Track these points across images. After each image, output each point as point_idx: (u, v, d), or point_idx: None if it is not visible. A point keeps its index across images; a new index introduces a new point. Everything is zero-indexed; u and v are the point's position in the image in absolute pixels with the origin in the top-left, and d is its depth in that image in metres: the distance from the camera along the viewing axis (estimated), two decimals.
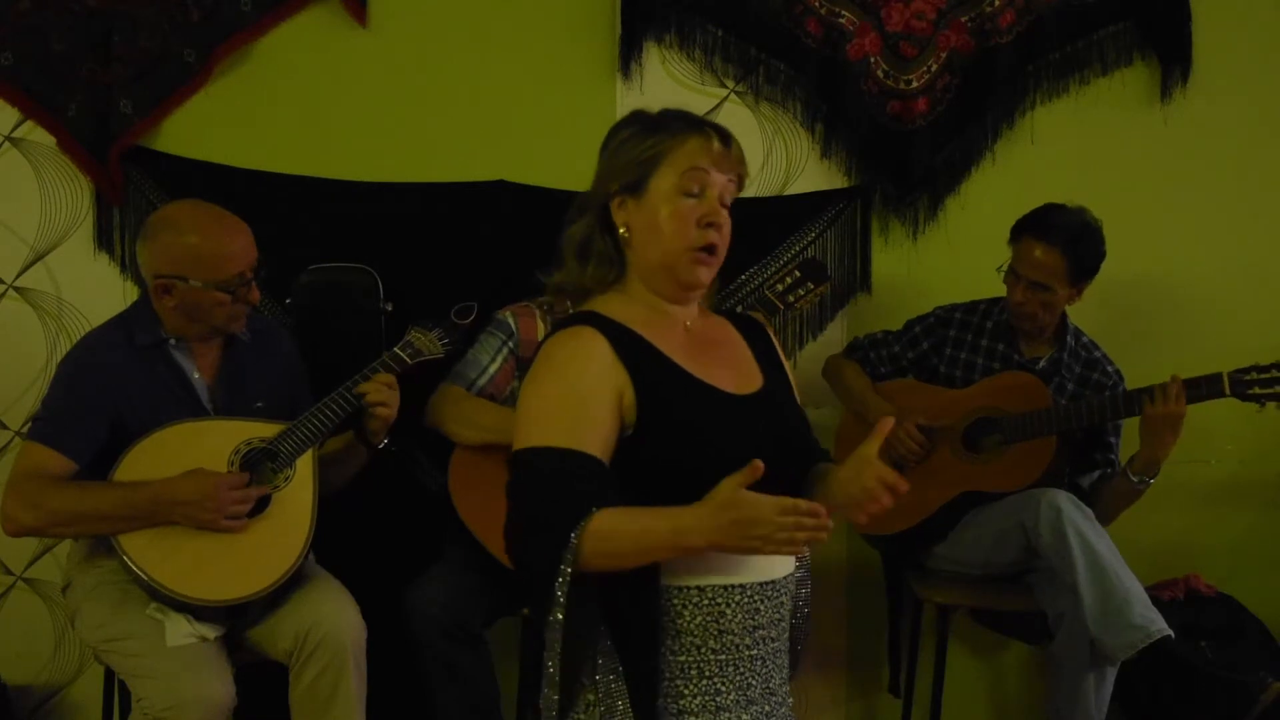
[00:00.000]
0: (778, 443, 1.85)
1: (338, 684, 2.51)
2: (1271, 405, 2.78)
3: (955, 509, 2.99)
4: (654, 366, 1.80)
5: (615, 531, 1.68)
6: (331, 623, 2.52)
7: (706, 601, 1.77)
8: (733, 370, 1.90)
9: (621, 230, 1.86)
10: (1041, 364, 3.07)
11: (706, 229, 1.83)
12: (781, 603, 1.84)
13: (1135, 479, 2.87)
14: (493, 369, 2.93)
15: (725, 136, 1.86)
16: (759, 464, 1.64)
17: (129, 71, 3.14)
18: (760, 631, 1.81)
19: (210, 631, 2.48)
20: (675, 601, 1.77)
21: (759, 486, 1.64)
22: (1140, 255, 3.34)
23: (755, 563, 1.78)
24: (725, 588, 1.77)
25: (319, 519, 2.57)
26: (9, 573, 3.23)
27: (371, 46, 3.25)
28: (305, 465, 2.59)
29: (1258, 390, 2.76)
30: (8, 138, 3.17)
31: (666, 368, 1.82)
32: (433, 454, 2.96)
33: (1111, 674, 2.80)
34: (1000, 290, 3.11)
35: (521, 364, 2.97)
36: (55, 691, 3.27)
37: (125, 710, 2.68)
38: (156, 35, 3.14)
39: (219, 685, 2.42)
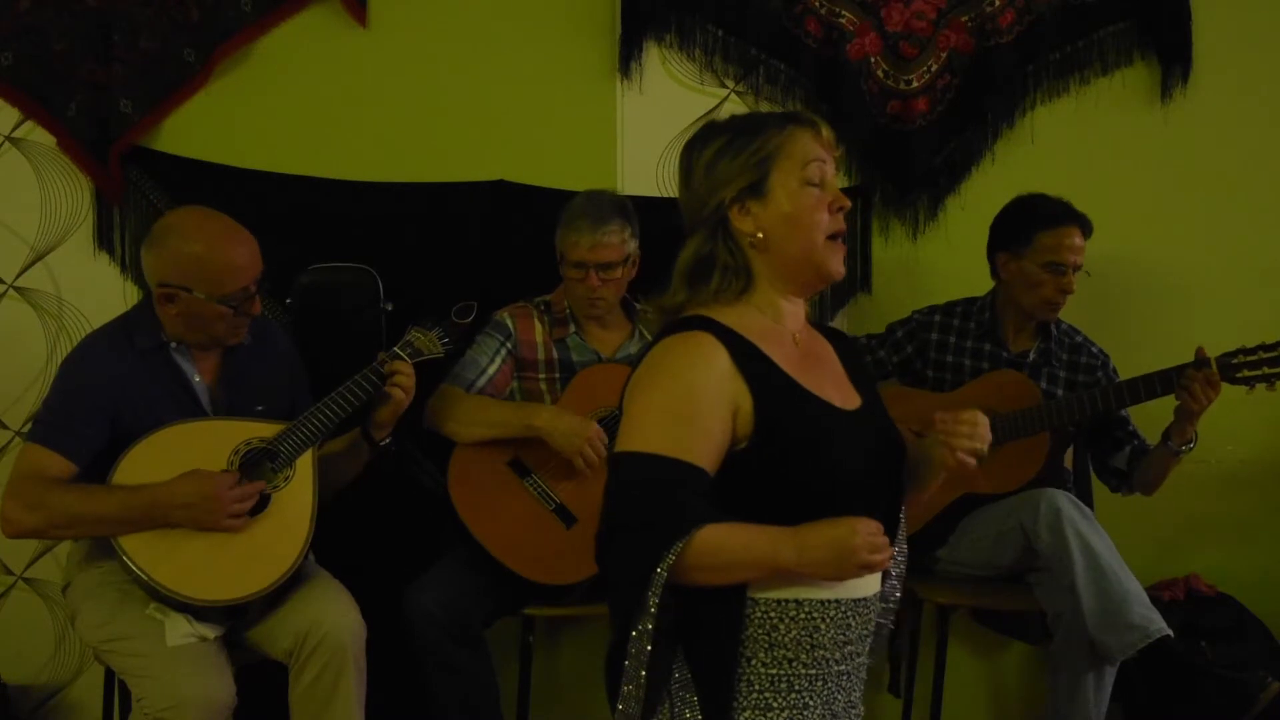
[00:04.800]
0: (883, 460, 1.86)
1: (338, 684, 2.51)
2: (1261, 388, 2.78)
3: (953, 513, 2.98)
4: (771, 380, 1.79)
5: (719, 547, 1.69)
6: (331, 623, 2.52)
7: (803, 616, 1.77)
8: (836, 386, 1.89)
9: (756, 235, 1.83)
10: (1031, 356, 3.07)
11: (837, 214, 1.86)
12: (868, 620, 1.85)
13: (1181, 447, 2.90)
14: (491, 370, 2.93)
15: (821, 122, 1.88)
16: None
17: (129, 71, 3.14)
18: (849, 648, 1.82)
19: (210, 631, 2.48)
20: (772, 614, 1.76)
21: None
22: (1140, 254, 3.35)
23: (850, 580, 1.78)
24: (822, 602, 1.78)
25: (319, 519, 2.57)
26: (9, 573, 3.23)
27: (371, 46, 3.25)
28: (305, 465, 2.59)
29: (1246, 373, 2.78)
30: (8, 138, 3.17)
31: (783, 382, 1.80)
32: (433, 454, 2.96)
33: (1111, 674, 2.80)
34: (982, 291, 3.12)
35: (520, 364, 2.97)
36: (55, 691, 3.27)
37: (125, 710, 2.68)
38: (156, 35, 3.15)
39: (219, 685, 2.42)
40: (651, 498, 1.70)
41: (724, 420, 1.75)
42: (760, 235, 1.83)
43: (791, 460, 1.76)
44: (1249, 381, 2.78)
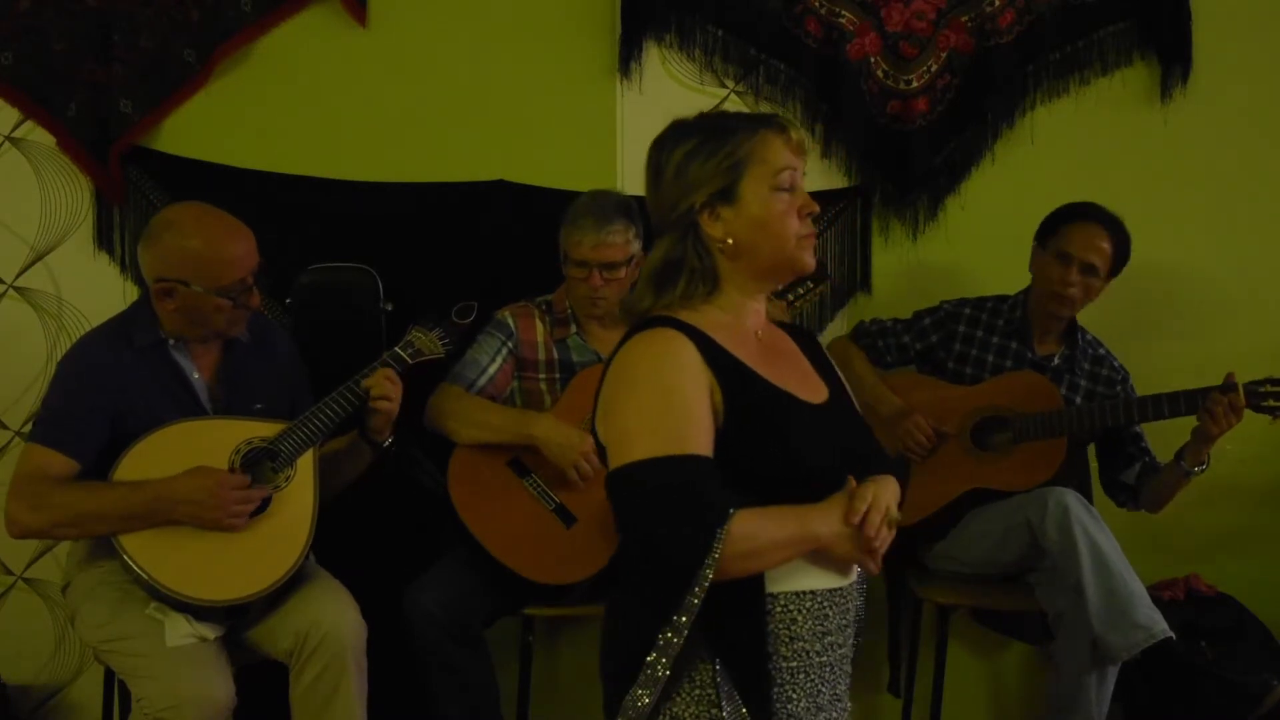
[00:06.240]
0: (851, 451, 1.87)
1: (338, 684, 2.51)
2: None
3: (959, 506, 2.99)
4: (736, 373, 1.80)
5: (754, 531, 1.70)
6: (331, 623, 2.52)
7: (779, 609, 1.78)
8: (801, 380, 1.91)
9: (726, 241, 1.83)
10: (1056, 361, 3.08)
11: (807, 219, 1.86)
12: (848, 609, 1.86)
13: (1194, 469, 2.90)
14: (492, 369, 2.93)
15: (791, 125, 1.88)
16: (852, 480, 1.77)
17: (129, 71, 3.14)
18: (829, 638, 1.82)
19: (210, 632, 2.48)
20: None
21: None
22: (1139, 255, 3.34)
23: (824, 569, 1.80)
24: (797, 594, 1.79)
25: (319, 519, 2.57)
26: (9, 573, 3.23)
27: (371, 46, 3.25)
28: (306, 465, 2.59)
29: (1272, 403, 2.79)
30: (8, 138, 3.17)
31: (748, 375, 1.81)
32: (433, 454, 2.96)
33: (1112, 674, 2.80)
34: (1004, 288, 3.12)
35: (521, 364, 2.97)
36: (55, 691, 3.27)
37: (125, 710, 2.68)
38: (156, 35, 3.15)
39: (219, 685, 2.42)
40: (675, 501, 1.69)
41: (707, 404, 1.76)
42: (730, 241, 1.84)
43: (758, 452, 1.77)
44: (1274, 412, 2.80)
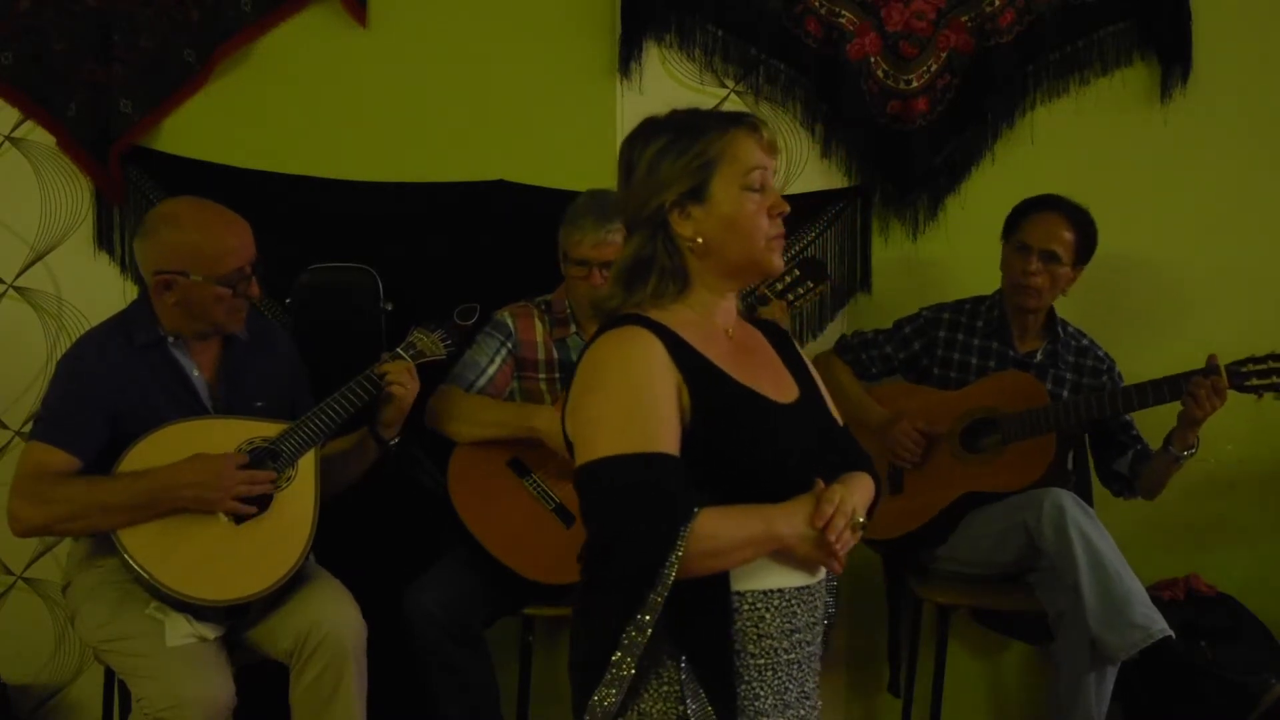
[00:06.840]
0: (820, 451, 1.87)
1: (338, 684, 2.51)
2: (1270, 397, 2.79)
3: (956, 510, 2.99)
4: (704, 373, 1.80)
5: (717, 531, 1.71)
6: (332, 623, 2.52)
7: (747, 607, 1.78)
8: (772, 378, 1.91)
9: (696, 240, 1.83)
10: (1038, 357, 3.08)
11: (776, 219, 1.86)
12: (815, 607, 1.86)
13: (1183, 453, 2.89)
14: (491, 370, 2.93)
15: (763, 124, 1.88)
16: (820, 482, 1.78)
17: (129, 71, 3.14)
18: (797, 635, 1.82)
19: (210, 632, 2.48)
20: None
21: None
22: (1140, 255, 3.35)
23: (792, 567, 1.81)
24: (765, 593, 1.79)
25: (319, 519, 2.57)
26: (9, 573, 3.23)
27: (371, 46, 3.26)
28: (307, 465, 2.59)
29: (1255, 381, 2.79)
30: (8, 138, 3.17)
31: (716, 375, 1.81)
32: (433, 454, 2.97)
33: (1112, 674, 2.80)
34: (981, 291, 3.13)
35: (520, 364, 2.97)
36: (55, 691, 3.27)
37: (125, 710, 2.68)
38: (156, 35, 3.15)
39: (219, 685, 2.42)
40: (640, 499, 1.69)
41: (674, 403, 1.76)
42: (700, 240, 1.84)
43: (725, 451, 1.77)
44: (1257, 390, 2.79)
